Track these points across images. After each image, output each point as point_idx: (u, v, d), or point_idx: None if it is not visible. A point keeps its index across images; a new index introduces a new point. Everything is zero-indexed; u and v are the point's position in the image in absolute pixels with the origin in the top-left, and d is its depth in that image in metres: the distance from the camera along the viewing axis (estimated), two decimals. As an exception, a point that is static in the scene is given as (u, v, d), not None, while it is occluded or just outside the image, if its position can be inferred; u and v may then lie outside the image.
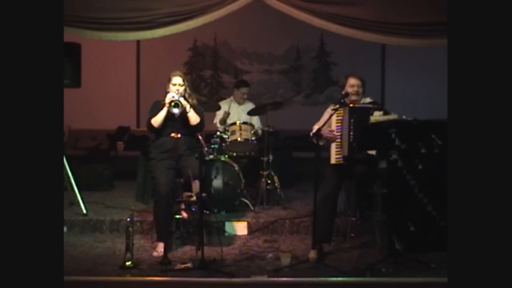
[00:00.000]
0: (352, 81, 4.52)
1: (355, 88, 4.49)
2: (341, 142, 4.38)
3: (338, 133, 4.40)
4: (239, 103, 6.40)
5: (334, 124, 4.44)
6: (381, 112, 4.33)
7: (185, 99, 4.63)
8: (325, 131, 4.37)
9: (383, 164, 4.39)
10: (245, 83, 6.54)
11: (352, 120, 4.31)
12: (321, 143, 4.33)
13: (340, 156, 4.37)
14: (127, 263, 4.07)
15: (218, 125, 6.18)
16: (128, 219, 4.20)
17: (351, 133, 4.30)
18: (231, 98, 6.47)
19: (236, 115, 6.25)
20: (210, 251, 4.35)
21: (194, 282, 3.85)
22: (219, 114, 6.29)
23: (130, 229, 4.13)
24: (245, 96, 6.41)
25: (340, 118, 4.42)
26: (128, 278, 3.92)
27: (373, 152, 4.38)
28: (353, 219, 4.78)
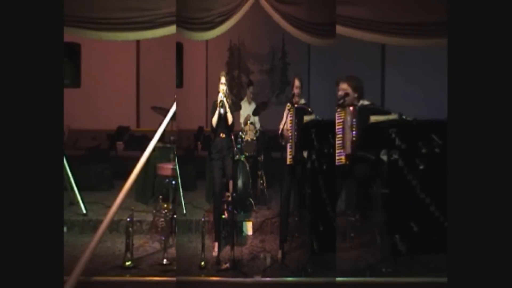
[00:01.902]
0: (297, 82, 4.48)
1: (297, 90, 4.46)
2: (338, 143, 4.37)
3: (291, 133, 4.39)
4: (249, 103, 6.47)
5: (288, 124, 4.43)
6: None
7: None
8: (284, 131, 4.39)
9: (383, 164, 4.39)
10: (251, 83, 6.66)
11: (296, 120, 4.31)
12: (283, 143, 4.37)
13: (291, 156, 4.38)
14: (127, 263, 4.08)
15: (243, 126, 6.19)
16: (128, 219, 4.21)
17: (352, 133, 4.29)
18: (246, 98, 6.55)
19: (247, 114, 6.30)
20: (228, 252, 4.39)
21: (194, 282, 3.87)
22: (242, 115, 6.34)
23: (130, 229, 4.14)
24: (252, 96, 6.50)
25: (341, 120, 4.40)
26: (128, 278, 3.92)
27: (372, 156, 4.37)
28: (353, 219, 4.78)
